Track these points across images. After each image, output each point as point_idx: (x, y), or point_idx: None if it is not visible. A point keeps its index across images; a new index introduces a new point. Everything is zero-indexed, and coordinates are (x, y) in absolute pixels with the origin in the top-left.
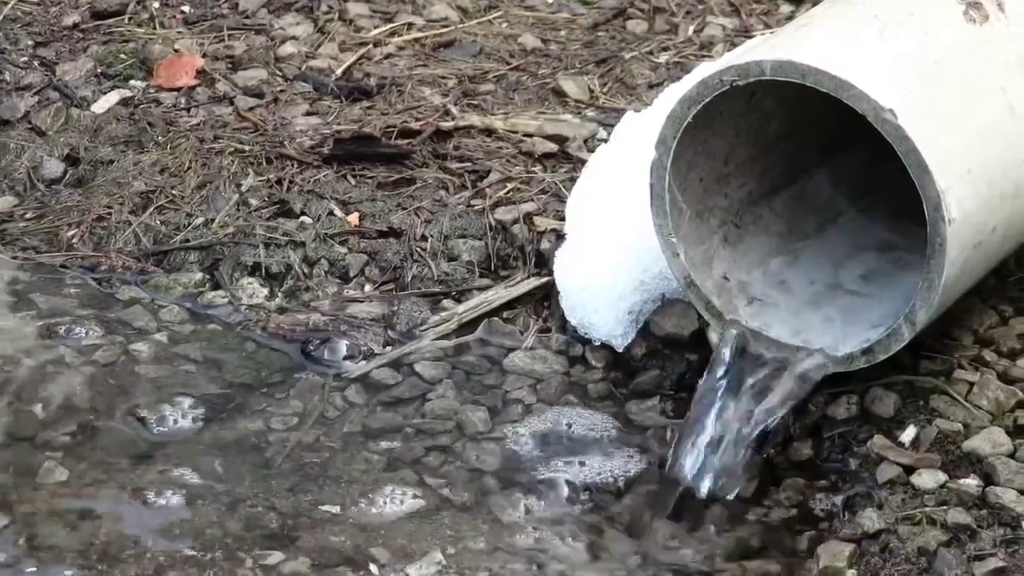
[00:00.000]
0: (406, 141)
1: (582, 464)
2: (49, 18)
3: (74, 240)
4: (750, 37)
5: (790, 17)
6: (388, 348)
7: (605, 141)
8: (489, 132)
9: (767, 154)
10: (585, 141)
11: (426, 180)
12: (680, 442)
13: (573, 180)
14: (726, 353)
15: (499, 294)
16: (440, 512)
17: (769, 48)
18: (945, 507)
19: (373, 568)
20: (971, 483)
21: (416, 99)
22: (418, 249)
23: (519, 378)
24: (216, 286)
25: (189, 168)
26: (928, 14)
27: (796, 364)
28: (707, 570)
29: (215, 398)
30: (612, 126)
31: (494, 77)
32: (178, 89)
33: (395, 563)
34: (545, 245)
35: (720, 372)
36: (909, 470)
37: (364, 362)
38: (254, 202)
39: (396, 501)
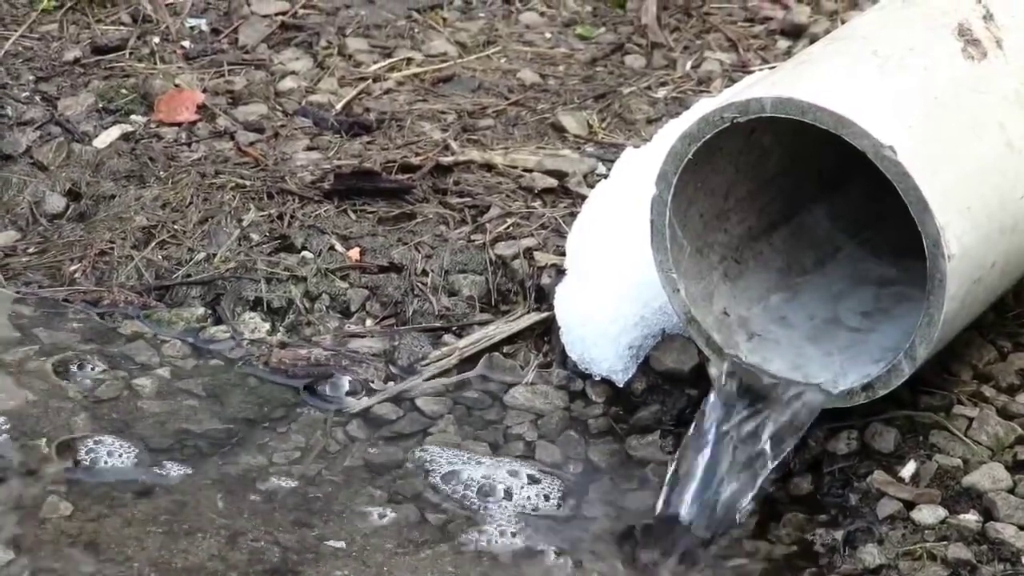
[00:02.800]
0: (406, 176)
1: (584, 500)
2: (50, 53)
3: (76, 275)
4: (748, 72)
5: (787, 52)
6: (389, 383)
7: (604, 176)
8: (489, 167)
9: (766, 190)
10: (584, 176)
11: (426, 215)
12: (679, 478)
13: (573, 215)
14: (725, 389)
15: (500, 329)
16: (442, 546)
17: (769, 85)
18: (945, 542)
19: None
20: (971, 518)
21: (416, 134)
22: (419, 284)
23: (520, 413)
24: (218, 321)
25: (190, 203)
26: (927, 51)
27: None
28: None
29: (217, 432)
30: (611, 161)
31: (493, 112)
32: (179, 124)
33: None
34: (545, 280)
35: (719, 408)
36: (909, 505)
37: (366, 397)
38: (255, 237)
39: (399, 536)
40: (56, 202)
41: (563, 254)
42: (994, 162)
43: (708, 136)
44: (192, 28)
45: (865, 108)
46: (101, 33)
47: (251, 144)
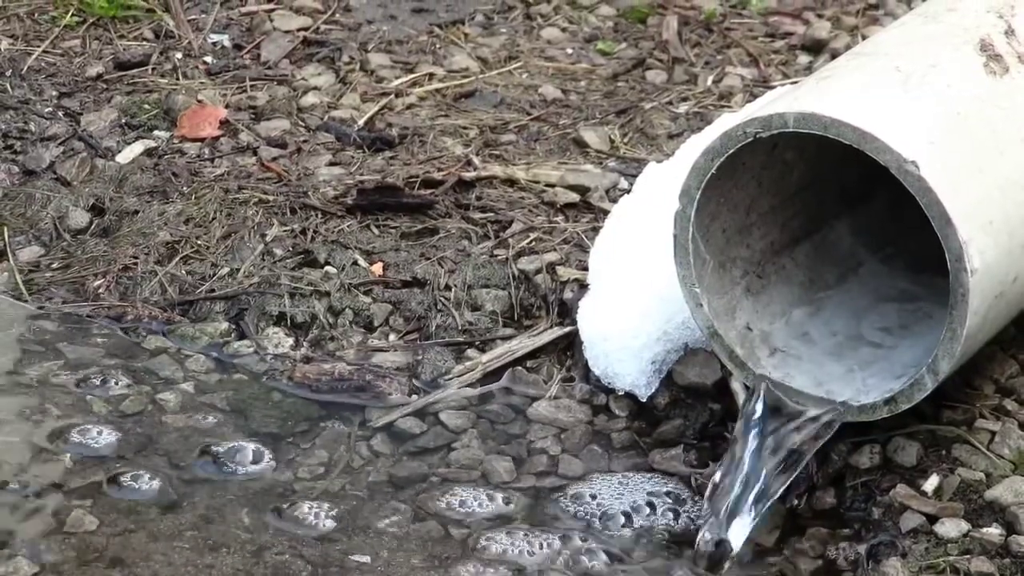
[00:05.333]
0: (429, 191)
1: (609, 514)
2: (73, 69)
3: (100, 290)
4: (769, 87)
5: (808, 67)
6: (413, 397)
7: (627, 191)
8: (511, 182)
9: (788, 205)
10: (607, 191)
11: (449, 230)
12: (709, 491)
13: (595, 230)
14: (755, 405)
15: (523, 343)
16: (468, 561)
17: (791, 100)
18: (968, 556)
19: None
20: (994, 532)
21: (438, 149)
22: (442, 299)
23: (543, 427)
24: (242, 336)
25: (214, 218)
26: (949, 66)
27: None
28: None
29: (242, 448)
30: (633, 176)
31: (515, 127)
32: (202, 139)
33: None
34: (568, 295)
35: (748, 424)
36: (932, 519)
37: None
38: (279, 252)
39: (423, 550)
40: (79, 217)
41: (586, 269)
42: (1016, 178)
43: (731, 151)
44: (214, 44)
45: (888, 123)
46: (124, 49)
47: (274, 159)
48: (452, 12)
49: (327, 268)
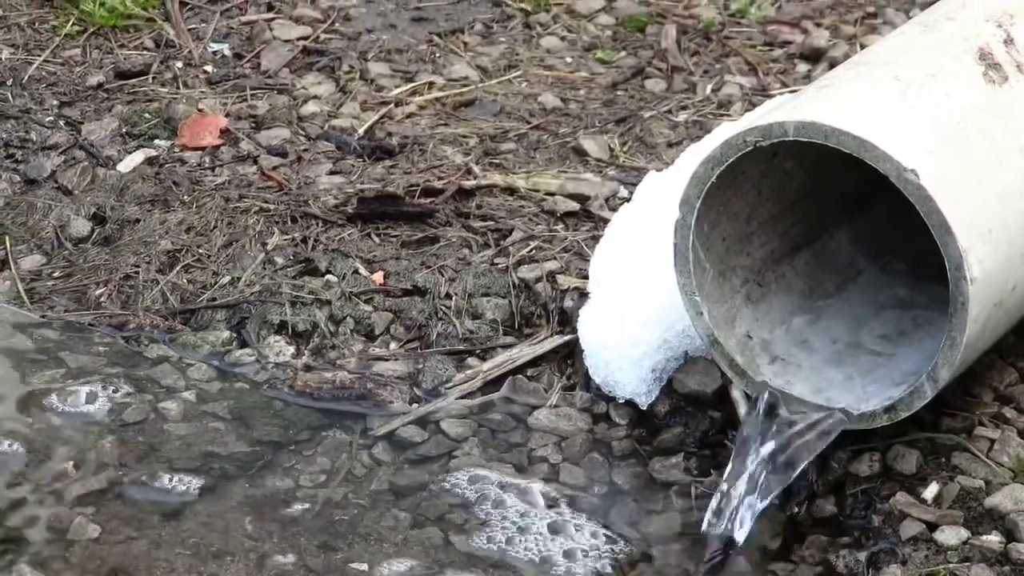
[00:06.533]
0: (429, 200)
1: (611, 521)
2: (74, 78)
3: (102, 299)
4: (768, 96)
5: (807, 76)
6: (414, 406)
7: (626, 200)
8: (511, 191)
9: (788, 213)
10: (606, 200)
11: (449, 239)
12: (713, 499)
13: (595, 238)
14: (756, 412)
15: (523, 352)
16: (468, 570)
17: (791, 109)
18: (968, 563)
19: None
20: (993, 539)
21: (438, 158)
22: (442, 307)
23: (544, 435)
24: (243, 344)
25: (215, 227)
26: (949, 75)
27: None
28: None
29: (243, 456)
30: (633, 185)
31: (515, 136)
32: (202, 148)
33: None
34: (568, 303)
35: (750, 430)
36: (932, 526)
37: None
38: (280, 261)
39: (425, 558)
40: (81, 226)
41: (586, 277)
42: (1015, 186)
43: (731, 160)
44: (215, 53)
45: (887, 132)
46: (124, 58)
47: (274, 168)
48: (451, 21)
49: (328, 277)
